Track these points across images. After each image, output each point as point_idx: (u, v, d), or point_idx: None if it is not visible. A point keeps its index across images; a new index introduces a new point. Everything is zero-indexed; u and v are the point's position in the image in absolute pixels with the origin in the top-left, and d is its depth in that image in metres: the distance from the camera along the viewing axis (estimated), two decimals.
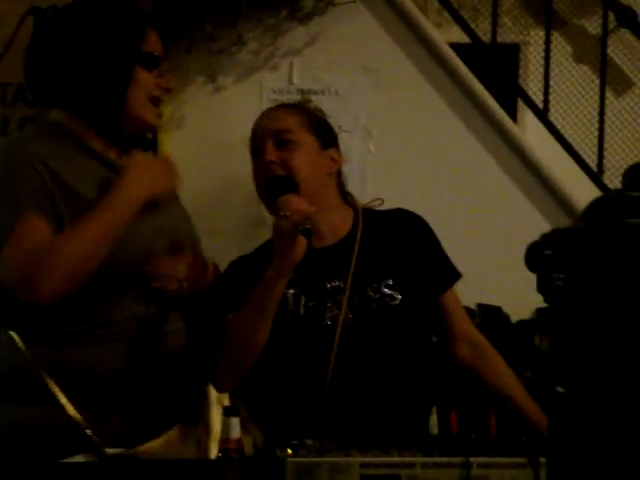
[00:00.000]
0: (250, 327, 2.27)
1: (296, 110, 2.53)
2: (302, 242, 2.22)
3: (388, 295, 2.39)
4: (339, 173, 2.54)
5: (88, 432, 1.99)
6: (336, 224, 2.48)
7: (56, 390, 1.98)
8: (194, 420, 2.25)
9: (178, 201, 2.35)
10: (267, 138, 2.45)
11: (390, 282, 2.39)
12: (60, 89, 2.15)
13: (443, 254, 2.49)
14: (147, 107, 2.17)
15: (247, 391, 2.43)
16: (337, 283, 2.40)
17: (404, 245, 2.45)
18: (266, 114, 2.54)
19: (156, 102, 2.20)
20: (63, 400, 1.98)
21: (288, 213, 2.21)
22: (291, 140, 2.44)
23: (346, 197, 2.55)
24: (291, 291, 2.38)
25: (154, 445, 2.11)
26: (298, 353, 2.37)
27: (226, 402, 2.33)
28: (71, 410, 1.99)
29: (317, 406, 2.32)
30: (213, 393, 2.30)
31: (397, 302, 2.38)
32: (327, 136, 2.52)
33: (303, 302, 2.39)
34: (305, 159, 2.43)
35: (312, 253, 2.32)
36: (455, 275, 2.50)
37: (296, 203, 2.26)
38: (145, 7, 3.12)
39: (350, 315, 2.37)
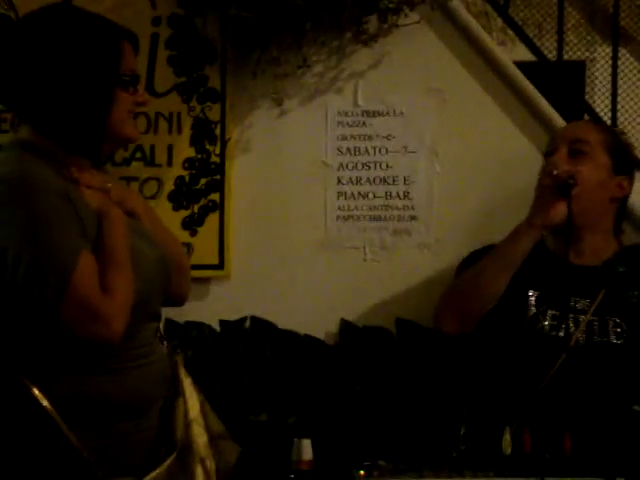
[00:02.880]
0: (489, 274, 2.39)
1: (599, 127, 2.61)
2: (560, 205, 2.33)
3: (626, 331, 2.41)
4: (623, 204, 2.57)
5: (91, 462, 1.94)
6: (599, 248, 2.52)
7: (58, 419, 1.92)
8: (186, 446, 2.15)
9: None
10: (562, 143, 2.52)
11: (632, 320, 2.41)
12: (33, 109, 2.07)
13: None
14: (128, 123, 2.13)
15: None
16: (583, 303, 2.43)
17: None
18: (570, 124, 2.63)
19: (133, 116, 2.17)
20: (65, 429, 1.93)
21: (555, 171, 2.32)
22: (585, 152, 2.49)
23: (619, 232, 2.58)
24: (536, 293, 2.45)
25: (157, 475, 2.04)
26: (525, 353, 2.43)
27: (200, 421, 2.20)
28: (74, 440, 1.93)
29: (524, 406, 2.37)
30: (192, 412, 2.18)
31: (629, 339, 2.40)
32: (623, 162, 2.55)
33: (544, 307, 2.44)
34: (591, 174, 2.47)
35: (567, 266, 2.43)
36: None
37: (563, 162, 2.37)
38: (213, 35, 3.16)
39: (584, 337, 2.40)
